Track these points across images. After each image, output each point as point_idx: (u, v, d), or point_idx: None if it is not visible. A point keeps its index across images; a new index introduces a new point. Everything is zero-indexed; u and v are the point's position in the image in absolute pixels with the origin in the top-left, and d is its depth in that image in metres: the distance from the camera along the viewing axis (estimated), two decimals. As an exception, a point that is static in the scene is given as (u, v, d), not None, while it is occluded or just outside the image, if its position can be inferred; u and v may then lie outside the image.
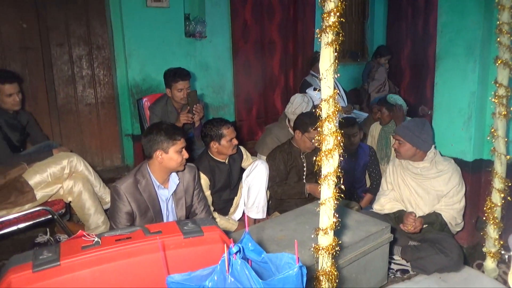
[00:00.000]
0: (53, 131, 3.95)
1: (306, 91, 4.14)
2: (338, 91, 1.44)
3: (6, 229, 2.48)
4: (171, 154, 2.14)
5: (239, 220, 3.11)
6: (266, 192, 3.09)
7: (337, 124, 1.54)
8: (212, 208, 2.82)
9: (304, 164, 3.14)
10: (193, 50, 4.40)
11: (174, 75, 3.19)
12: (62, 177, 2.72)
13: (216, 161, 2.90)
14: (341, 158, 1.52)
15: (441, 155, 2.74)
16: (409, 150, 2.62)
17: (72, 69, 3.97)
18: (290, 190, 3.05)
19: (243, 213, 3.13)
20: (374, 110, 3.76)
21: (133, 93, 4.08)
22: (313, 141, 2.89)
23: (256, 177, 3.01)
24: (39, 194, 2.62)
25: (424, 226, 2.62)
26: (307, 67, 5.12)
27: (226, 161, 2.95)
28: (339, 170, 1.52)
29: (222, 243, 1.48)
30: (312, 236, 1.51)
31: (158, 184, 2.20)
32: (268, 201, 3.17)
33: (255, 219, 3.05)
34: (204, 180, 2.79)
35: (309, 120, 2.96)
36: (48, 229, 3.00)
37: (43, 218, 2.62)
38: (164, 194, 2.24)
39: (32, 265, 1.33)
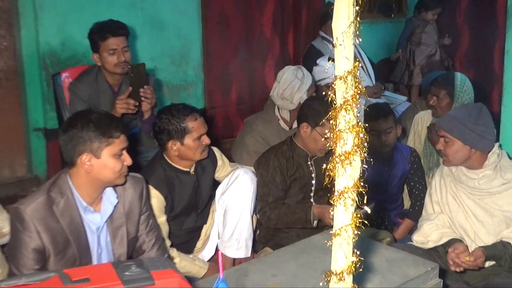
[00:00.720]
0: None
1: (317, 61, 4.16)
2: (361, 64, 1.46)
3: None
4: (104, 159, 2.13)
5: (210, 260, 3.11)
6: (252, 217, 3.11)
7: (359, 115, 1.56)
8: (168, 243, 2.81)
9: (313, 175, 3.17)
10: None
11: (101, 29, 3.22)
12: None
13: (176, 170, 2.90)
14: (365, 166, 1.54)
15: (510, 158, 2.79)
16: (459, 151, 2.65)
17: (-49, 26, 3.94)
18: (290, 216, 3.06)
19: (217, 250, 3.13)
20: (429, 95, 3.74)
21: (47, 65, 4.05)
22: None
23: (236, 195, 3.02)
24: None
25: (487, 264, 2.66)
26: (315, 27, 5.16)
27: (192, 170, 2.95)
28: (363, 183, 1.54)
29: (183, 296, 1.49)
30: (321, 283, 1.52)
31: (85, 205, 2.19)
32: (254, 231, 3.18)
33: (234, 259, 3.06)
34: (157, 199, 2.78)
35: (322, 107, 2.95)
36: None
37: None
38: (95, 221, 2.23)
39: None
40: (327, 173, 1.47)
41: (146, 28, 4.47)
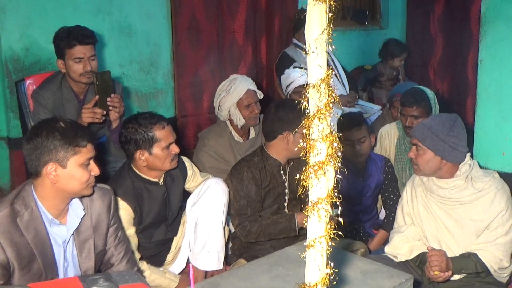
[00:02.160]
0: None
1: (285, 71, 4.19)
2: (334, 72, 1.48)
3: None
4: (71, 169, 2.13)
5: (181, 273, 3.11)
6: (224, 229, 3.11)
7: (332, 124, 1.58)
8: (138, 256, 2.80)
9: (286, 184, 3.20)
10: (108, 3, 4.39)
11: (68, 35, 3.19)
12: None
13: (144, 181, 2.90)
14: (339, 176, 1.56)
15: (480, 168, 2.83)
16: (430, 161, 2.69)
17: None
18: (273, 226, 3.07)
19: (188, 263, 3.13)
20: (394, 104, 3.81)
21: (10, 72, 4.01)
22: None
23: (207, 206, 3.03)
24: None
25: (458, 277, 2.70)
26: (288, 34, 5.20)
27: (161, 180, 2.95)
28: (337, 194, 1.56)
29: (153, 310, 1.49)
30: (295, 296, 1.53)
31: (51, 218, 2.17)
32: (227, 243, 3.19)
33: (206, 272, 3.06)
34: (126, 211, 2.78)
35: (292, 112, 3.01)
36: None
37: None
38: (61, 234, 2.21)
39: None
40: (301, 183, 1.48)
41: (114, 33, 4.45)
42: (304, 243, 1.50)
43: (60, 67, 3.27)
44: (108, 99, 3.14)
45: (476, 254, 2.67)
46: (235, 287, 2.14)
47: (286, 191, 3.20)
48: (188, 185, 3.15)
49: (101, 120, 3.18)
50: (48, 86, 3.30)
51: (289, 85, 4.07)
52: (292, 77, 4.05)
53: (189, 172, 3.12)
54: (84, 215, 2.26)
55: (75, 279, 1.60)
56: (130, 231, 2.79)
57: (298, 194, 1.45)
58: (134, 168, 2.90)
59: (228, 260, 3.22)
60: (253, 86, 3.69)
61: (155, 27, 4.69)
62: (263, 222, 3.08)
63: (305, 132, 1.50)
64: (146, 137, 2.79)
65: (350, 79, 5.01)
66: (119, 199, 2.72)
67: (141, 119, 2.83)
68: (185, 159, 3.12)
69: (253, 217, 3.08)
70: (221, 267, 3.07)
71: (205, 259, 3.03)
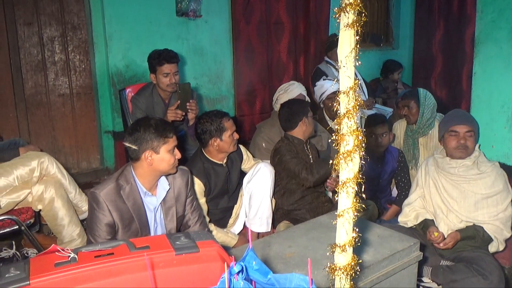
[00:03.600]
0: (19, 127, 3.98)
1: (317, 83, 4.18)
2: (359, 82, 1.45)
3: (-35, 242, 2.51)
4: (162, 155, 2.15)
5: (239, 233, 3.12)
6: (271, 201, 3.11)
7: (358, 121, 1.54)
8: (207, 219, 2.83)
9: (310, 156, 3.24)
10: (186, 32, 4.41)
11: (159, 56, 3.22)
12: (30, 181, 2.74)
13: (212, 163, 2.92)
14: (362, 162, 1.52)
15: (485, 157, 2.77)
16: (474, 143, 2.71)
17: (43, 53, 3.99)
18: (325, 166, 3.06)
19: (244, 226, 3.14)
20: (399, 105, 3.76)
21: (115, 83, 4.09)
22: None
23: (258, 183, 3.03)
24: (4, 201, 2.64)
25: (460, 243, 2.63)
26: (321, 53, 5.14)
27: (224, 162, 2.96)
28: (361, 176, 1.52)
29: (221, 261, 1.49)
30: (328, 254, 1.51)
31: (145, 191, 2.21)
32: (273, 212, 3.18)
33: (258, 233, 3.06)
34: (198, 185, 2.81)
35: (296, 106, 3.20)
36: (14, 242, 3.02)
37: (8, 229, 2.64)
38: (152, 203, 2.25)
39: (-4, 284, 1.34)
40: (333, 167, 1.46)
41: (190, 54, 4.49)
42: (335, 213, 1.48)
43: (152, 79, 3.31)
44: (187, 104, 3.17)
45: (482, 227, 2.62)
46: (281, 246, 2.15)
47: (310, 157, 3.25)
48: (243, 166, 3.16)
49: (181, 119, 3.21)
50: (143, 93, 3.34)
51: (323, 93, 4.03)
52: (326, 86, 4.00)
53: (244, 156, 3.13)
54: (168, 189, 2.29)
55: (163, 236, 1.62)
56: (202, 200, 2.82)
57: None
58: (205, 153, 2.93)
59: (274, 224, 3.21)
60: (304, 92, 3.81)
61: (220, 49, 4.69)
62: (318, 165, 3.09)
63: (336, 128, 1.47)
64: (218, 127, 2.82)
65: (368, 88, 4.93)
66: (194, 176, 2.75)
67: (212, 115, 2.86)
68: (241, 147, 3.13)
69: (309, 167, 3.08)
70: (269, 229, 3.07)
71: (257, 223, 3.04)
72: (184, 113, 3.19)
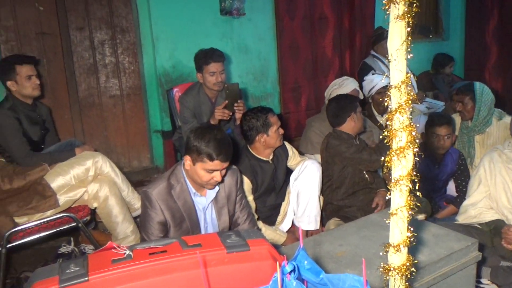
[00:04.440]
0: (74, 127, 4.15)
1: (365, 78, 4.08)
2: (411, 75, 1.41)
3: (27, 238, 2.65)
4: (197, 168, 2.12)
5: (287, 231, 3.10)
6: (319, 198, 3.08)
7: (410, 117, 1.49)
8: (255, 217, 2.84)
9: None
10: (230, 30, 4.44)
11: (205, 56, 3.24)
12: (86, 179, 2.85)
13: (258, 160, 2.92)
14: (417, 158, 1.47)
15: None
16: None
17: (94, 56, 4.14)
18: (387, 147, 3.02)
19: (292, 224, 3.13)
20: (454, 99, 3.57)
21: (162, 83, 4.18)
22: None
23: (306, 180, 3.00)
24: (62, 199, 2.76)
25: None
26: (367, 47, 5.03)
27: (270, 159, 2.96)
28: (415, 172, 1.47)
29: (272, 259, 1.49)
30: (381, 253, 1.47)
31: (194, 191, 2.24)
32: (322, 209, 3.15)
33: (307, 231, 3.04)
34: (246, 183, 2.82)
35: (350, 97, 3.21)
36: (72, 239, 3.15)
37: (66, 226, 2.76)
38: (201, 203, 2.27)
39: (58, 279, 1.40)
40: (385, 164, 1.42)
41: (235, 52, 4.52)
42: (387, 212, 1.44)
43: (198, 79, 3.34)
44: (235, 104, 3.19)
45: None
46: (332, 245, 2.12)
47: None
48: (289, 163, 3.14)
49: (228, 118, 3.24)
50: (190, 93, 3.38)
51: (372, 88, 3.94)
52: (375, 81, 3.92)
53: (290, 153, 3.12)
54: (219, 189, 2.30)
55: (214, 235, 1.64)
56: (250, 197, 2.83)
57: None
58: (250, 150, 2.94)
59: (323, 222, 3.18)
60: (357, 88, 3.76)
61: (264, 47, 4.70)
62: (380, 147, 3.10)
63: (388, 124, 1.43)
64: (264, 123, 2.82)
65: (418, 82, 4.78)
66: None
67: (257, 111, 2.87)
68: (286, 144, 3.11)
69: (369, 151, 3.08)
70: (318, 227, 3.04)
71: (305, 221, 3.01)
72: (231, 113, 3.21)
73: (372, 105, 4.03)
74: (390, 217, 1.48)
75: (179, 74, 4.23)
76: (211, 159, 2.08)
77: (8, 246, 2.58)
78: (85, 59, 4.12)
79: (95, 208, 2.92)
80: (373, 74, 4.10)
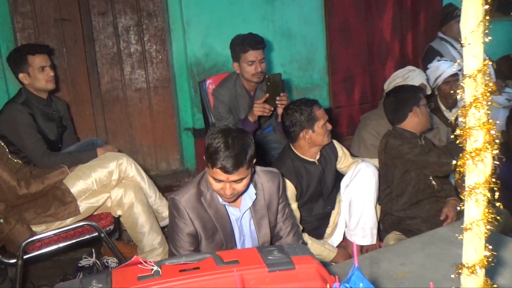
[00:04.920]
0: (96, 125, 4.27)
1: (429, 66, 3.98)
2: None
3: (45, 248, 2.74)
4: (210, 174, 2.10)
5: (338, 246, 3.08)
6: (376, 208, 3.03)
7: (488, 112, 1.45)
8: (300, 228, 2.82)
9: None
10: (271, 12, 4.45)
11: (242, 42, 3.25)
12: (109, 184, 2.92)
13: (303, 161, 2.90)
14: (496, 162, 1.43)
15: None
16: None
17: (118, 44, 4.25)
18: (459, 148, 2.98)
19: (344, 237, 3.10)
20: None
21: (194, 74, 4.23)
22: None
23: (359, 187, 2.97)
24: (83, 206, 2.84)
25: None
26: (434, 28, 4.94)
27: (317, 159, 2.94)
28: (494, 179, 1.43)
29: (320, 280, 1.47)
30: (452, 275, 1.43)
31: (222, 200, 2.19)
32: (379, 221, 3.11)
33: (361, 246, 3.01)
34: (289, 187, 2.80)
35: (411, 88, 3.16)
36: (93, 250, 3.23)
37: (88, 236, 2.84)
38: (235, 213, 2.26)
39: (79, 298, 1.44)
40: (457, 169, 1.38)
41: (276, 37, 4.52)
42: (461, 226, 1.40)
43: (235, 69, 3.35)
44: (278, 98, 3.18)
45: None
46: (392, 263, 2.08)
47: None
48: (339, 165, 3.10)
49: (269, 114, 3.23)
50: (225, 85, 3.40)
51: (438, 76, 3.84)
52: (442, 68, 3.82)
53: (340, 153, 3.08)
54: (256, 198, 2.26)
55: (254, 250, 1.63)
56: (294, 205, 2.82)
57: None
58: (294, 149, 2.92)
59: (380, 236, 3.13)
60: (425, 82, 3.66)
61: (311, 30, 4.67)
62: (448, 147, 3.08)
63: (461, 121, 1.39)
64: (309, 117, 2.80)
65: (497, 68, 4.62)
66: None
67: (301, 104, 2.85)
68: (335, 142, 3.08)
69: (438, 152, 3.03)
70: (374, 242, 3.00)
71: (359, 234, 2.98)
72: (273, 108, 3.20)
73: (438, 98, 3.92)
74: (463, 232, 1.43)
75: (213, 64, 4.27)
76: (211, 166, 2.05)
77: (25, 257, 2.67)
78: (108, 48, 4.23)
79: (119, 216, 2.99)
80: (439, 60, 4.00)
